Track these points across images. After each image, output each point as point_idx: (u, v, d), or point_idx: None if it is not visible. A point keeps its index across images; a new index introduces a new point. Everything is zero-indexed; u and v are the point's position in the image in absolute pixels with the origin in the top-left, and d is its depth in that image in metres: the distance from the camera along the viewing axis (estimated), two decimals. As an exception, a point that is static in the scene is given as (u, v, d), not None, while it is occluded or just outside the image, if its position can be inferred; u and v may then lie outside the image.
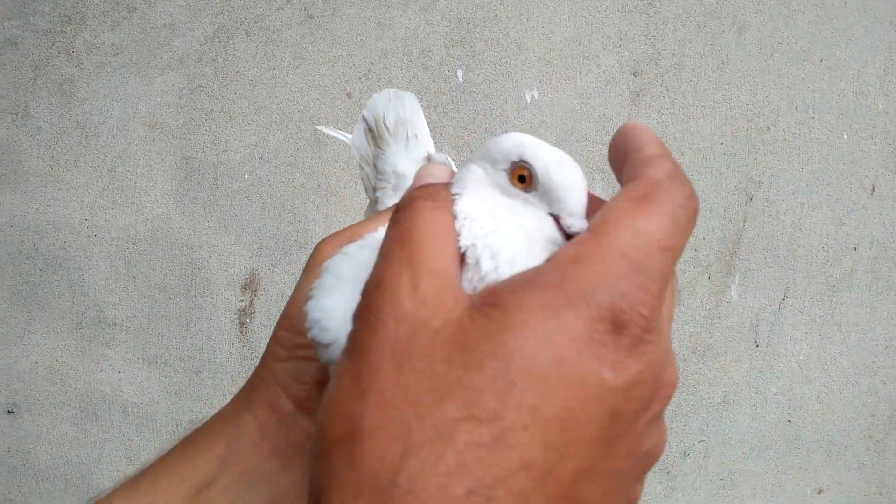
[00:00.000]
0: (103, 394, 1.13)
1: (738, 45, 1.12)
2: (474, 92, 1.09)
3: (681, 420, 1.17)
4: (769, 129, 1.14)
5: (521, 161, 0.28)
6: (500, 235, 0.26)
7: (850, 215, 1.18)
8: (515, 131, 0.30)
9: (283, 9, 1.07)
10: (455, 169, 0.34)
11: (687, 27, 1.11)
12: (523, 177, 0.28)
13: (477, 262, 0.25)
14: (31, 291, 1.10)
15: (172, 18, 1.06)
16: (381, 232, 0.31)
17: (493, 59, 1.09)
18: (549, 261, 0.23)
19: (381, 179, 0.58)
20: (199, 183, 1.09)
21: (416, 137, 0.59)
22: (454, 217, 0.26)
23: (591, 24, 1.09)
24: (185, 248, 1.11)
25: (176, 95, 1.07)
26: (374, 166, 0.60)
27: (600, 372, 0.20)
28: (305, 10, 1.07)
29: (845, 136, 1.16)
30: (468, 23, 1.08)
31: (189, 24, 1.06)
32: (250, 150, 1.09)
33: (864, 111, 1.16)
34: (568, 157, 0.28)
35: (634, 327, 0.21)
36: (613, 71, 1.09)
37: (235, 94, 1.08)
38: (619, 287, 0.21)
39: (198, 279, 1.11)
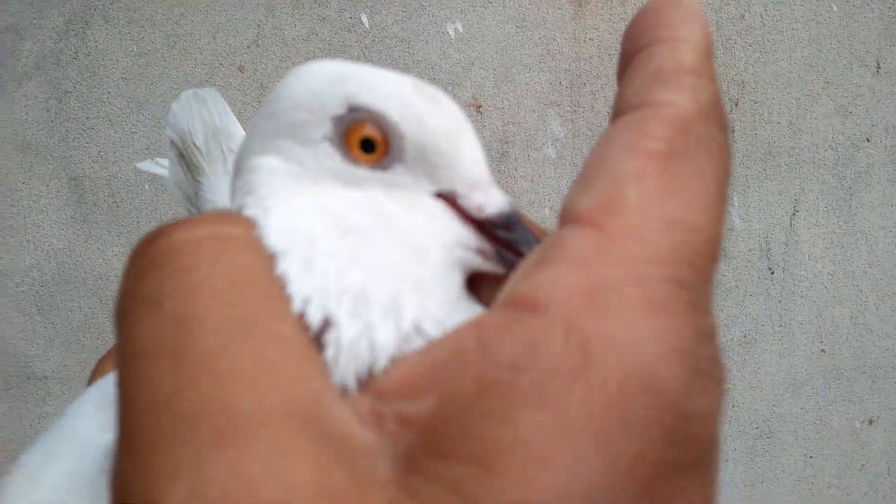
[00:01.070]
0: (48, 454, 1.00)
1: (696, -83, 0.90)
2: (386, 37, 0.89)
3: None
4: (742, 16, 0.92)
5: (355, 110, 0.17)
6: (364, 262, 0.15)
7: (855, 102, 0.97)
8: (318, 62, 0.18)
9: (138, -19, 0.87)
10: None
11: None
12: (369, 140, 0.17)
13: (337, 340, 0.14)
14: (-57, 359, 0.96)
15: (14, 18, 0.87)
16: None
17: (401, -7, 0.88)
18: (521, 306, 0.13)
19: None
20: (95, 204, 0.93)
21: (233, 151, 0.42)
22: (267, 253, 0.15)
23: (513, -74, 0.88)
24: (100, 280, 0.95)
25: (43, 108, 0.90)
26: (197, 206, 0.43)
27: None
28: (165, -24, 0.88)
29: (835, 9, 0.94)
30: (364, -46, 0.88)
31: (35, 21, 0.88)
32: (142, 155, 0.91)
33: (861, -31, 0.94)
34: (424, 82, 0.17)
35: (707, 436, 0.13)
36: (547, -21, 0.88)
37: (110, 93, 0.90)
38: (685, 369, 0.12)
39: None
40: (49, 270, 0.95)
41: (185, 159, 0.44)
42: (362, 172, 0.17)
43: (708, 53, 0.16)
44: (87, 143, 0.91)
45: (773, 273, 1.00)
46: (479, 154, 0.18)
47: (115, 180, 0.92)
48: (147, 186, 0.93)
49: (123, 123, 0.91)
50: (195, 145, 0.43)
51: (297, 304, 0.14)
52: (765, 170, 0.96)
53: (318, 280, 0.15)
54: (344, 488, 0.12)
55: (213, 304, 0.13)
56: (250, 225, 0.15)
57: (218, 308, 0.13)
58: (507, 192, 0.93)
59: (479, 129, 0.91)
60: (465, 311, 0.16)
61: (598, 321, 0.13)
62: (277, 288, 0.14)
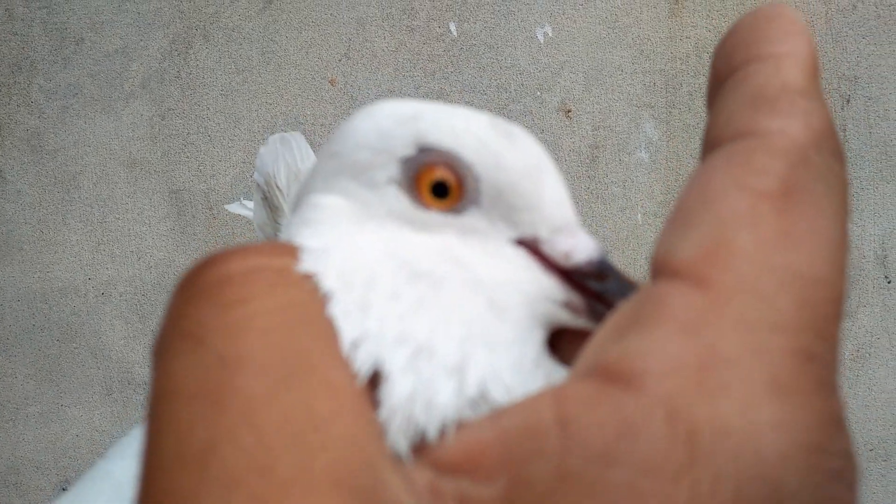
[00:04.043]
0: (147, 459, 1.00)
1: None
2: (475, 44, 0.85)
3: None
4: (854, 7, 0.83)
5: (425, 151, 0.14)
6: (431, 312, 0.12)
7: None
8: (387, 101, 0.15)
9: (237, 0, 0.87)
10: None
11: None
12: (442, 184, 0.14)
13: (389, 397, 0.11)
14: (54, 364, 0.98)
15: (123, 41, 0.89)
16: None
17: (490, 0, 0.85)
18: (612, 379, 0.11)
19: None
20: (193, 217, 0.92)
21: None
22: (323, 291, 0.12)
23: (602, -71, 0.83)
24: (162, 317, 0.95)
25: (147, 126, 0.90)
26: None
27: None
28: (262, -6, 0.87)
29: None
30: (451, -36, 0.85)
31: (142, 43, 0.89)
32: (238, 168, 0.91)
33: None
34: (500, 118, 0.15)
35: None
36: (640, -21, 0.83)
37: (209, 109, 0.89)
38: (814, 471, 0.10)
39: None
40: (149, 280, 0.95)
41: (268, 201, 0.43)
42: (434, 217, 0.15)
43: (815, 72, 0.13)
44: (188, 157, 0.91)
45: (889, 282, 0.89)
46: (564, 194, 0.15)
47: (213, 193, 0.92)
48: (242, 199, 0.92)
49: (221, 138, 0.90)
50: (277, 187, 0.42)
51: (344, 347, 0.12)
52: (880, 170, 0.86)
53: (374, 323, 0.12)
54: None
55: (261, 343, 0.11)
56: (307, 258, 0.13)
57: (267, 348, 0.11)
58: (598, 199, 0.87)
59: (568, 135, 0.86)
60: (544, 374, 0.13)
61: (709, 405, 0.10)
62: (332, 329, 0.12)
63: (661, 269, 0.12)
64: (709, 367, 0.10)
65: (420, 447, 0.12)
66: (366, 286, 0.13)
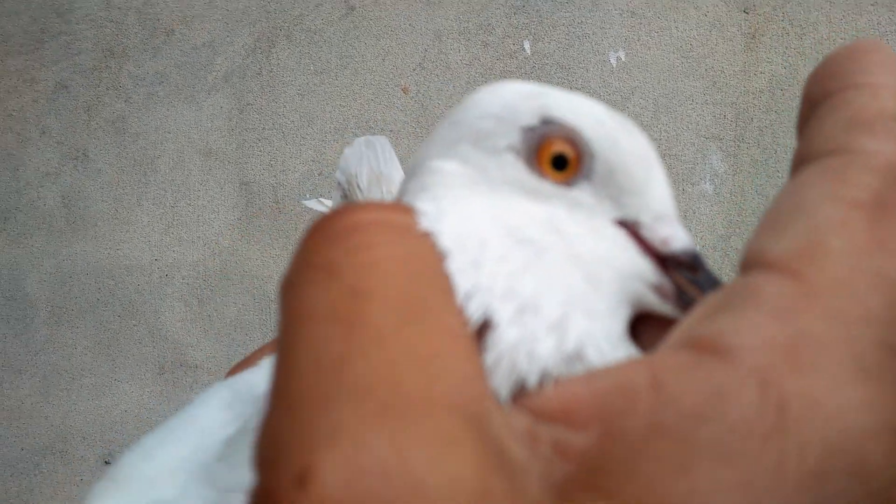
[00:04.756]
0: (190, 439, 1.02)
1: (883, -47, 0.82)
2: (547, 64, 0.86)
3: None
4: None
5: (549, 123, 0.15)
6: (536, 274, 0.13)
7: None
8: (510, 81, 0.16)
9: (321, 4, 0.90)
10: None
11: (809, -57, 0.82)
12: (563, 157, 0.15)
13: (497, 345, 0.12)
14: (113, 339, 1.00)
15: (211, 36, 0.92)
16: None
17: (566, 21, 0.85)
18: (705, 350, 0.11)
19: None
20: (260, 209, 0.95)
21: (392, 195, 0.43)
22: (440, 250, 0.13)
23: (683, -40, 0.84)
24: (255, 281, 0.97)
25: (226, 118, 0.93)
26: None
27: None
28: (346, 1, 0.90)
29: None
30: (532, -15, 0.86)
31: (229, 39, 0.92)
32: (308, 165, 0.93)
33: None
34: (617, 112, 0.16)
35: None
36: (717, 11, 0.83)
37: (285, 107, 0.92)
38: (883, 449, 0.10)
39: (272, 312, 0.97)
40: (213, 266, 0.97)
41: (348, 200, 0.44)
42: (546, 187, 0.15)
43: None
44: (260, 151, 0.94)
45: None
46: (668, 188, 0.16)
47: (281, 187, 0.94)
48: (309, 196, 0.94)
49: (294, 135, 0.93)
50: (359, 187, 0.44)
51: (458, 297, 0.13)
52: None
53: (485, 279, 0.13)
54: (501, 497, 0.10)
55: (388, 283, 0.12)
56: (426, 218, 0.14)
57: (393, 288, 0.12)
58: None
59: (633, 159, 0.86)
60: (626, 350, 0.14)
61: (800, 379, 0.11)
62: (448, 282, 0.13)
63: (753, 263, 0.12)
64: (800, 347, 0.11)
65: (518, 395, 0.13)
66: (478, 247, 0.14)
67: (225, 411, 0.18)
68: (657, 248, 0.15)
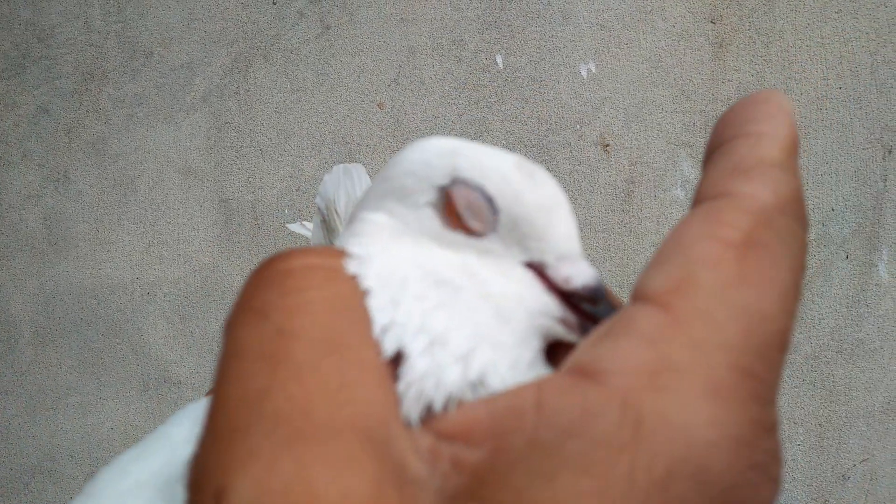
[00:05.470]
0: (175, 456, 1.01)
1: (845, -39, 0.82)
2: (519, 77, 0.87)
3: (833, 437, 0.87)
4: (903, 59, 0.82)
5: (458, 182, 0.17)
6: (448, 312, 0.15)
7: None
8: (434, 138, 0.18)
9: (297, 24, 0.90)
10: None
11: (773, -47, 0.83)
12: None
13: (408, 374, 0.14)
14: (97, 357, 1.00)
15: (189, 57, 0.93)
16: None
17: (537, 35, 0.86)
18: (582, 374, 0.13)
19: None
20: (239, 225, 0.95)
21: None
22: (363, 288, 0.15)
23: (650, -27, 0.84)
24: (236, 296, 0.96)
25: (204, 137, 0.94)
26: None
27: None
28: (321, 20, 0.90)
29: None
30: None
31: (206, 60, 0.92)
32: (285, 182, 0.93)
33: None
34: (526, 160, 0.17)
35: None
36: (685, 22, 0.83)
37: (263, 125, 0.92)
38: (738, 461, 0.12)
39: (251, 327, 0.97)
40: (194, 283, 0.97)
41: (327, 224, 0.47)
42: (459, 238, 0.17)
43: (792, 150, 0.15)
44: (239, 169, 0.94)
45: (927, 337, 0.85)
46: (572, 229, 0.17)
47: (260, 204, 0.94)
48: (287, 211, 0.94)
49: (272, 153, 0.93)
50: (336, 212, 0.46)
51: (375, 332, 0.14)
52: (921, 223, 0.84)
53: (401, 316, 0.15)
54: None
55: (312, 322, 0.13)
56: (353, 262, 0.16)
57: (316, 327, 0.13)
58: (631, 233, 0.86)
59: (605, 169, 0.86)
60: (536, 375, 0.16)
61: (657, 400, 0.12)
62: (368, 318, 0.14)
63: (635, 297, 0.14)
64: (660, 371, 0.12)
65: (426, 419, 0.14)
66: (397, 287, 0.15)
67: (195, 429, 0.19)
68: (560, 285, 0.17)
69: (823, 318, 0.84)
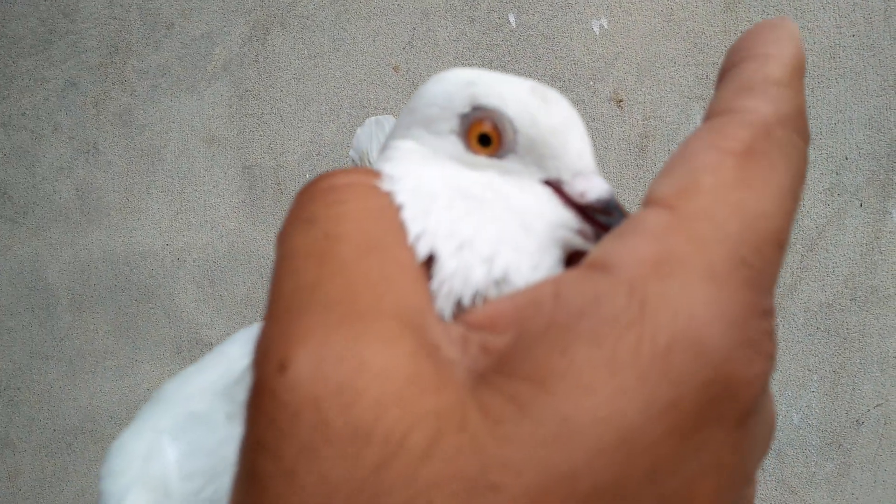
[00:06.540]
0: (209, 414, 1.05)
1: None
2: (532, 35, 0.87)
3: (847, 383, 0.87)
4: (918, 4, 0.81)
5: (477, 109, 0.18)
6: (474, 220, 0.17)
7: None
8: (454, 69, 0.19)
9: (312, -10, 0.91)
10: None
11: None
12: (486, 136, 0.18)
13: (439, 273, 0.16)
14: (132, 322, 1.03)
15: (209, 27, 0.94)
16: None
17: (548, -6, 0.86)
18: (595, 267, 0.14)
19: None
20: (263, 191, 0.97)
21: None
22: (398, 203, 0.16)
23: (661, -74, 0.83)
24: (262, 259, 0.99)
25: (226, 105, 0.95)
26: None
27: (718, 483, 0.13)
28: (335, -14, 0.91)
29: None
30: (514, -40, 0.87)
31: (225, 29, 0.94)
32: (306, 147, 0.94)
33: None
34: (541, 84, 0.19)
35: (745, 400, 0.13)
36: (696, -26, 0.83)
37: (282, 91, 0.94)
38: (732, 336, 0.13)
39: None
40: (221, 248, 0.99)
41: None
42: (481, 160, 0.18)
43: (797, 70, 0.16)
44: (260, 136, 0.96)
45: (942, 282, 0.85)
46: (586, 146, 0.18)
47: (282, 169, 0.96)
48: (308, 176, 0.96)
49: (291, 119, 0.94)
50: (370, 162, 0.48)
51: (409, 239, 0.16)
52: (935, 168, 0.83)
53: (432, 224, 0.16)
54: (428, 380, 0.13)
55: (354, 228, 0.15)
56: (387, 181, 0.17)
57: (358, 231, 0.15)
58: (646, 187, 0.87)
59: (619, 124, 0.86)
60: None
61: (660, 284, 0.13)
62: (403, 227, 0.16)
63: (645, 202, 0.15)
64: (663, 261, 0.13)
65: (457, 314, 0.16)
66: (428, 200, 0.17)
67: (248, 346, 0.22)
68: (576, 200, 0.18)
69: (837, 266, 0.84)
